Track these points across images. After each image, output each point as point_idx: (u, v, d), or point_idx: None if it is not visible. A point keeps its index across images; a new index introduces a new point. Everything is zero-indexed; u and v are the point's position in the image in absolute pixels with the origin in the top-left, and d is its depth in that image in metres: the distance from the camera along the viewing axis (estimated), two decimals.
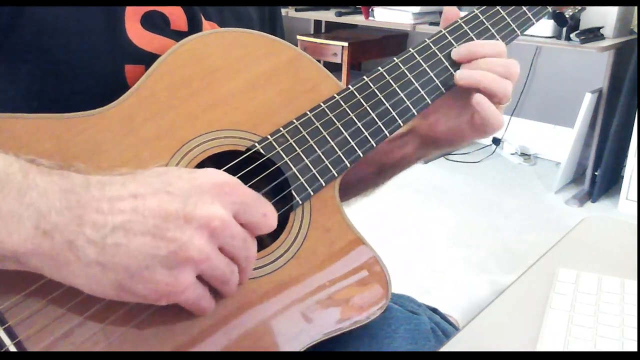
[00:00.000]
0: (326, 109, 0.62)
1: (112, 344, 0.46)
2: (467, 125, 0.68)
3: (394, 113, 0.64)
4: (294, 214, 0.58)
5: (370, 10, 3.22)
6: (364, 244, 0.59)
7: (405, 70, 0.66)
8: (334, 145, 0.61)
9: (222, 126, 0.58)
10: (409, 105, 0.65)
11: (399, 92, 0.65)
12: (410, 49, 0.67)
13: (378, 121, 0.63)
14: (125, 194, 0.43)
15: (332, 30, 3.66)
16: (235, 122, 0.58)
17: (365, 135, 0.62)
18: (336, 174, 0.60)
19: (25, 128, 0.50)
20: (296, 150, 0.59)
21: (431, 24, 3.05)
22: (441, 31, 0.69)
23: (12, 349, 0.43)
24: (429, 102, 0.66)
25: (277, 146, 0.58)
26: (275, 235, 0.56)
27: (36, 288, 0.45)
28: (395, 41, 3.54)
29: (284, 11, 3.43)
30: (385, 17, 3.17)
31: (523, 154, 3.39)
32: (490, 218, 2.66)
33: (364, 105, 0.63)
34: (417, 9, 3.05)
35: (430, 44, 0.68)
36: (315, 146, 0.60)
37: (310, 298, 0.55)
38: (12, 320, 0.44)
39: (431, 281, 2.15)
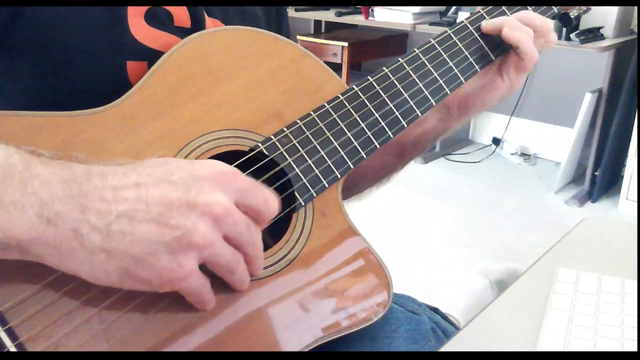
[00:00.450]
0: (330, 110, 0.62)
1: (113, 346, 0.46)
2: (497, 76, 0.70)
3: (397, 114, 0.64)
4: (297, 215, 0.58)
5: (370, 10, 3.22)
6: (366, 244, 0.59)
7: (410, 71, 0.66)
8: (338, 147, 0.61)
9: (226, 126, 0.58)
10: (413, 106, 0.65)
11: (403, 92, 0.65)
12: (415, 49, 0.67)
13: (382, 122, 0.63)
14: (127, 183, 0.44)
15: (332, 30, 3.66)
16: (238, 121, 0.58)
17: (369, 136, 0.62)
18: (339, 176, 0.60)
19: (27, 126, 0.50)
20: (300, 151, 0.59)
21: (431, 24, 3.05)
22: (446, 31, 0.69)
23: (13, 349, 0.43)
24: (434, 103, 0.66)
25: (280, 147, 0.58)
26: (278, 236, 0.56)
27: (37, 289, 0.45)
28: (395, 41, 3.53)
29: None
30: (385, 17, 3.17)
31: (523, 154, 3.39)
32: (490, 218, 2.66)
33: (368, 106, 0.63)
34: (417, 9, 3.05)
35: (435, 44, 0.68)
36: (318, 147, 0.60)
37: (313, 300, 0.55)
38: (13, 322, 0.44)
39: (431, 281, 2.15)
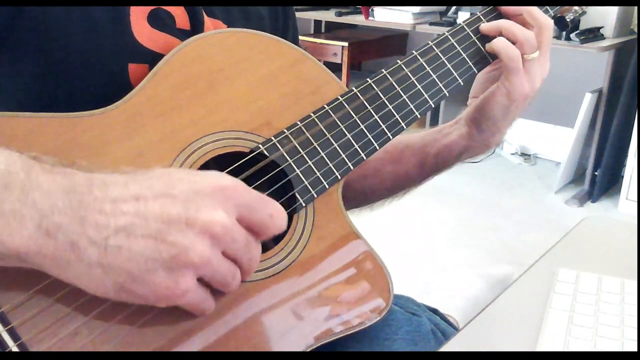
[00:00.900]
0: (330, 111, 0.62)
1: (114, 346, 0.47)
2: (498, 91, 0.70)
3: (397, 116, 0.64)
4: (297, 216, 0.58)
5: (370, 10, 3.22)
6: (367, 247, 0.60)
7: (409, 73, 0.66)
8: (338, 148, 0.61)
9: (226, 127, 0.58)
10: (412, 108, 0.65)
11: (402, 94, 0.65)
12: (414, 52, 0.67)
13: (381, 123, 0.63)
14: (127, 195, 0.43)
15: (332, 30, 3.66)
16: (239, 123, 0.58)
17: (369, 138, 0.63)
18: (339, 177, 0.60)
19: (28, 127, 0.50)
20: (300, 152, 0.59)
21: (431, 24, 3.05)
22: (444, 34, 0.69)
23: (15, 349, 0.43)
24: (432, 104, 0.66)
25: (281, 148, 0.59)
26: (278, 237, 0.56)
27: (39, 289, 0.45)
28: (395, 41, 3.54)
29: None
30: (385, 17, 3.17)
31: (523, 154, 3.39)
32: (490, 218, 2.66)
33: (367, 108, 0.63)
34: (417, 9, 3.05)
35: (433, 47, 0.68)
36: (319, 148, 0.60)
37: (312, 301, 0.55)
38: (15, 322, 0.44)
39: (431, 281, 2.15)
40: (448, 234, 2.53)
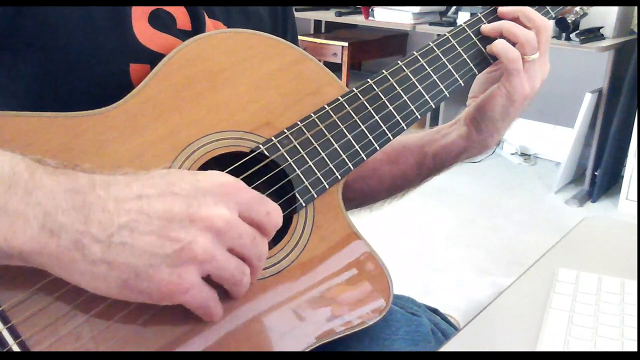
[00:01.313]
0: (330, 111, 0.62)
1: (114, 345, 0.47)
2: (498, 91, 0.70)
3: (398, 117, 0.64)
4: (298, 216, 0.58)
5: (370, 10, 3.22)
6: (366, 246, 0.60)
7: (409, 74, 0.66)
8: (338, 148, 0.61)
9: (227, 127, 0.58)
10: (413, 109, 0.65)
11: (403, 95, 0.65)
12: (414, 52, 0.67)
13: (382, 124, 0.64)
14: (130, 194, 0.44)
15: (332, 30, 3.66)
16: (239, 123, 0.59)
17: (369, 138, 0.63)
18: (340, 177, 0.60)
19: (29, 126, 0.51)
20: (300, 153, 0.59)
21: (431, 24, 3.06)
22: (445, 34, 0.69)
23: (15, 348, 0.43)
24: (433, 105, 0.66)
25: (281, 148, 0.59)
26: (278, 237, 0.57)
27: (39, 287, 0.45)
28: (395, 41, 3.54)
29: None
30: (385, 17, 3.18)
31: (523, 154, 3.39)
32: (490, 218, 2.66)
33: (368, 108, 0.63)
34: (417, 9, 3.05)
35: (434, 47, 0.68)
36: (319, 148, 0.60)
37: (312, 301, 0.55)
38: (15, 320, 0.44)
39: (431, 281, 2.15)
40: (448, 234, 2.53)
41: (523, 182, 3.09)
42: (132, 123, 0.54)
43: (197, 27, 0.63)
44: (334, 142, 0.61)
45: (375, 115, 0.64)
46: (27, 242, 0.41)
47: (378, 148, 0.63)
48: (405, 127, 0.65)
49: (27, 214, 0.41)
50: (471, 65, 0.69)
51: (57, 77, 0.57)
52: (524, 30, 0.67)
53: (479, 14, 0.71)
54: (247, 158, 0.57)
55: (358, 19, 3.34)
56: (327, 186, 0.60)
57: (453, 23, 3.00)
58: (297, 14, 3.49)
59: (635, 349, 0.52)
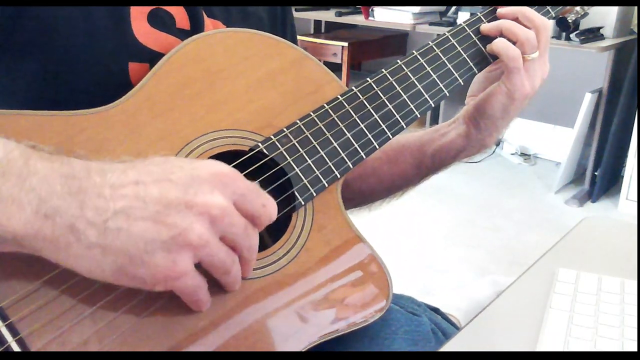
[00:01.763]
0: (330, 110, 0.62)
1: (113, 343, 0.46)
2: (498, 90, 0.70)
3: (397, 116, 0.64)
4: (297, 214, 0.58)
5: (370, 10, 3.22)
6: (365, 246, 0.59)
7: (409, 73, 0.66)
8: (337, 147, 0.61)
9: (226, 126, 0.58)
10: (412, 107, 0.65)
11: (402, 94, 0.65)
12: (414, 52, 0.68)
13: (381, 123, 0.64)
14: (126, 180, 0.44)
15: (332, 30, 3.66)
16: (238, 122, 0.59)
17: (369, 137, 0.63)
18: (339, 175, 0.60)
19: (28, 125, 0.51)
20: (299, 151, 0.59)
21: (431, 24, 3.06)
22: (445, 34, 0.69)
23: (14, 345, 0.43)
24: (432, 104, 0.66)
25: (280, 147, 0.59)
26: (277, 235, 0.56)
27: (39, 285, 0.46)
28: (395, 41, 3.54)
29: None
30: (385, 17, 3.17)
31: (523, 154, 3.39)
32: (490, 218, 2.66)
33: (367, 107, 0.63)
34: (417, 9, 3.05)
35: (434, 47, 0.68)
36: (318, 147, 0.60)
37: (311, 299, 0.55)
38: (14, 317, 0.44)
39: (431, 281, 2.15)
40: (447, 233, 2.53)
41: (523, 182, 3.09)
42: (131, 121, 0.54)
43: (196, 27, 0.63)
44: (333, 141, 0.61)
45: (374, 114, 0.63)
46: (21, 225, 0.42)
47: (377, 147, 0.63)
48: (404, 126, 0.65)
49: (21, 199, 0.42)
50: (471, 64, 0.69)
51: (57, 76, 0.57)
52: (524, 29, 0.67)
53: (478, 13, 0.71)
54: (246, 157, 0.57)
55: (358, 19, 3.34)
56: (326, 185, 0.59)
57: (453, 23, 3.00)
58: (297, 14, 3.49)
59: (635, 349, 0.52)
